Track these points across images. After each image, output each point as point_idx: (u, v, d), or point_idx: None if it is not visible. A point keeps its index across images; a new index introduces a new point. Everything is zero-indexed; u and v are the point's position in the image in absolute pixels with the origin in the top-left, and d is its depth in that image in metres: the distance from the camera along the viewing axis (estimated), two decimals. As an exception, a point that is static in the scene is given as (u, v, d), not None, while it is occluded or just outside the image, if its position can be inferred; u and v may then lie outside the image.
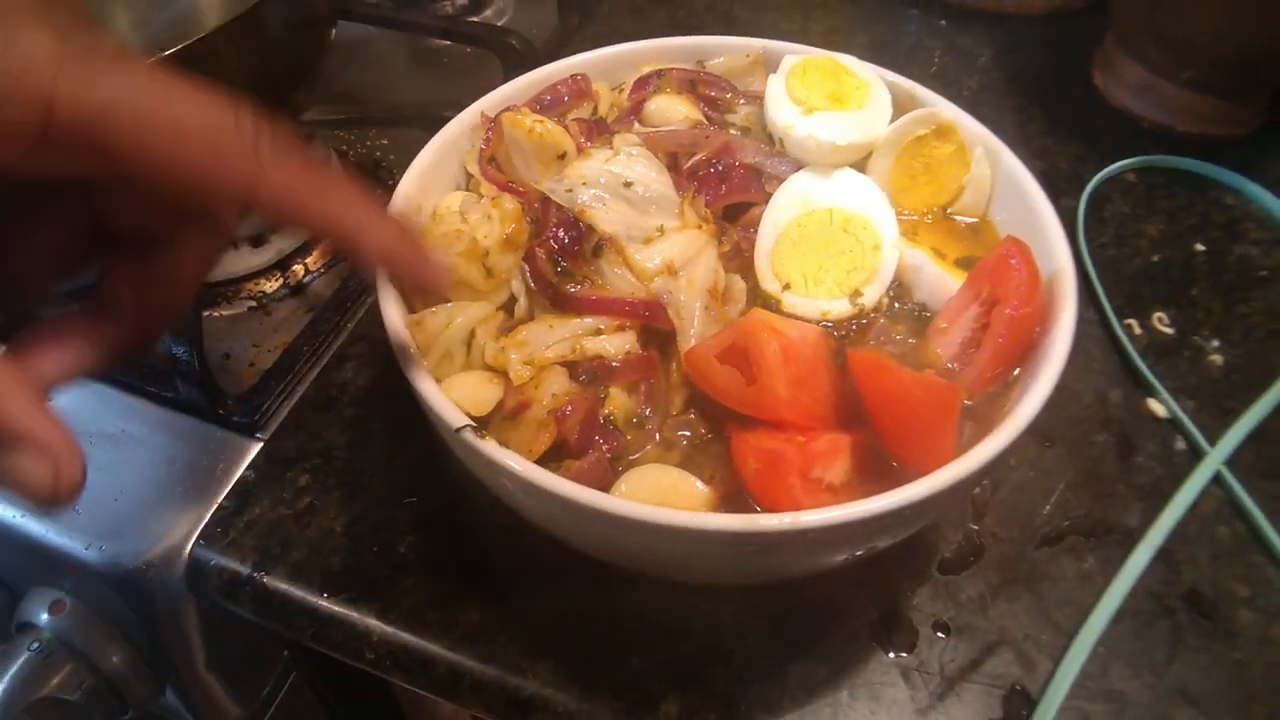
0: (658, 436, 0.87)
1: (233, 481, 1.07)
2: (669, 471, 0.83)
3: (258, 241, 1.38)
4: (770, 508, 0.76)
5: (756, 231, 0.97)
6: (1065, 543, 1.00)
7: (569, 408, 0.82)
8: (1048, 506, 1.03)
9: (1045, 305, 0.84)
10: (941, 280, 0.95)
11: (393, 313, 0.86)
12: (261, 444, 1.13)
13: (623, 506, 0.71)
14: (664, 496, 0.80)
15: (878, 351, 0.89)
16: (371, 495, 1.04)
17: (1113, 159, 1.39)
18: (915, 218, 1.05)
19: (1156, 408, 1.15)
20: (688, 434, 0.88)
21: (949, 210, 1.05)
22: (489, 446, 0.77)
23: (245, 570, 0.99)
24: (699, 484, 0.82)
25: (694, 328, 0.88)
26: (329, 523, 1.03)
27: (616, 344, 0.88)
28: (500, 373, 0.87)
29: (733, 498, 0.80)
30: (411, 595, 0.96)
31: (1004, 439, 0.74)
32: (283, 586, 0.98)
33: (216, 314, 1.33)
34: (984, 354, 0.85)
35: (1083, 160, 1.41)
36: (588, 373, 0.86)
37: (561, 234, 0.90)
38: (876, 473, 0.81)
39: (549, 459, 0.81)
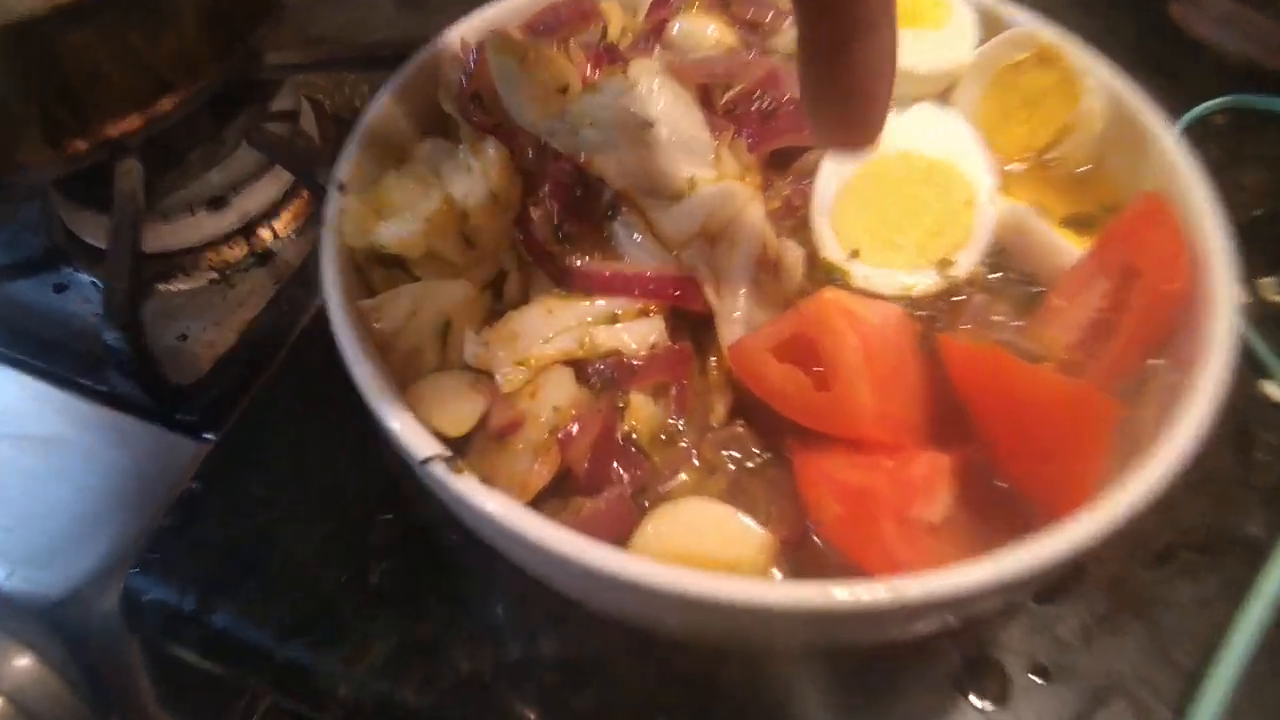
0: (695, 458, 0.71)
1: (175, 494, 0.91)
2: (711, 507, 0.66)
3: (218, 203, 1.17)
4: (856, 559, 0.60)
5: (812, 183, 0.81)
6: (1179, 561, 0.84)
7: (576, 426, 0.66)
8: (1154, 516, 0.73)
9: (1192, 280, 0.68)
10: (1054, 245, 0.79)
11: (338, 295, 0.69)
12: (211, 447, 0.96)
13: (653, 573, 0.55)
14: (706, 544, 0.63)
15: (989, 343, 0.72)
16: (341, 511, 0.89)
17: (1196, 100, 1.21)
18: (1005, 166, 0.87)
19: (1274, 391, 0.95)
20: (735, 453, 0.71)
21: (1047, 156, 0.88)
22: (466, 485, 0.60)
23: (187, 605, 0.85)
24: (752, 524, 0.65)
25: (739, 310, 0.73)
26: (289, 546, 0.87)
27: (638, 334, 0.71)
28: (485, 375, 0.70)
29: (798, 541, 0.65)
30: (388, 637, 0.81)
31: (1169, 462, 0.58)
32: (233, 626, 0.83)
33: (172, 288, 1.15)
34: (1118, 341, 0.69)
35: (1160, 102, 1.08)
36: (601, 374, 0.71)
37: (563, 189, 0.74)
38: (981, 500, 0.66)
39: (551, 496, 0.66)
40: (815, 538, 0.65)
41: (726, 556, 0.62)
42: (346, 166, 0.76)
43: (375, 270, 0.73)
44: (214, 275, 1.16)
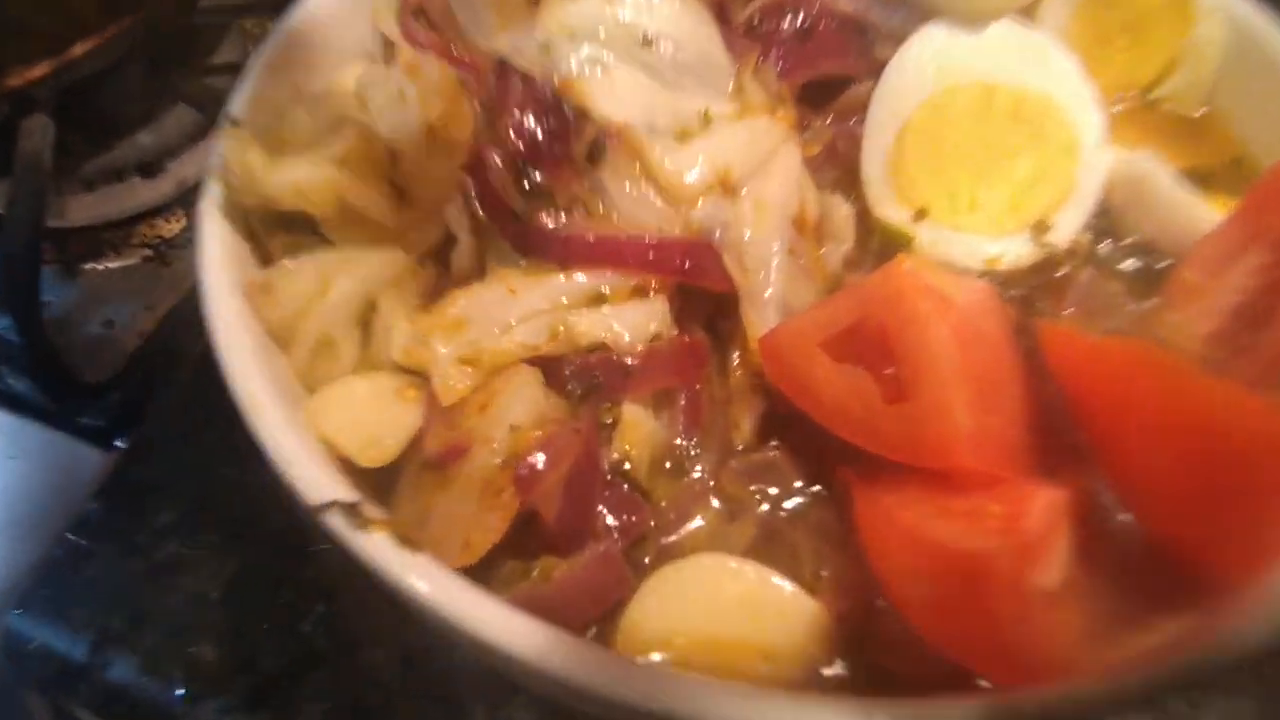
0: (714, 495, 0.58)
1: (70, 518, 0.82)
2: (736, 569, 0.53)
3: (150, 169, 1.07)
4: (962, 657, 0.48)
5: (862, 123, 0.73)
6: None
7: (542, 454, 0.51)
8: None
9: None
10: (1183, 205, 0.69)
11: (217, 269, 0.57)
12: (115, 460, 0.87)
13: (657, 690, 0.43)
14: (730, 623, 0.50)
15: (1138, 339, 0.60)
16: (265, 540, 0.78)
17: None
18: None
19: None
20: (768, 488, 0.59)
21: (1153, 94, 0.80)
22: (374, 546, 0.47)
23: (79, 654, 0.75)
24: (795, 591, 0.52)
25: (770, 288, 0.61)
26: (201, 584, 0.78)
27: (633, 321, 0.57)
28: (421, 379, 0.57)
29: (862, 614, 0.52)
30: (320, 700, 0.72)
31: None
32: (133, 682, 0.74)
33: (100, 267, 1.05)
34: (1276, 332, 0.58)
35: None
36: (581, 377, 0.57)
37: (531, 123, 0.61)
38: (1102, 546, 0.53)
39: (510, 553, 0.52)
40: (884, 608, 0.53)
41: (759, 640, 0.50)
42: (244, 96, 0.66)
43: (276, 237, 0.62)
44: (148, 252, 1.06)
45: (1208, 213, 0.68)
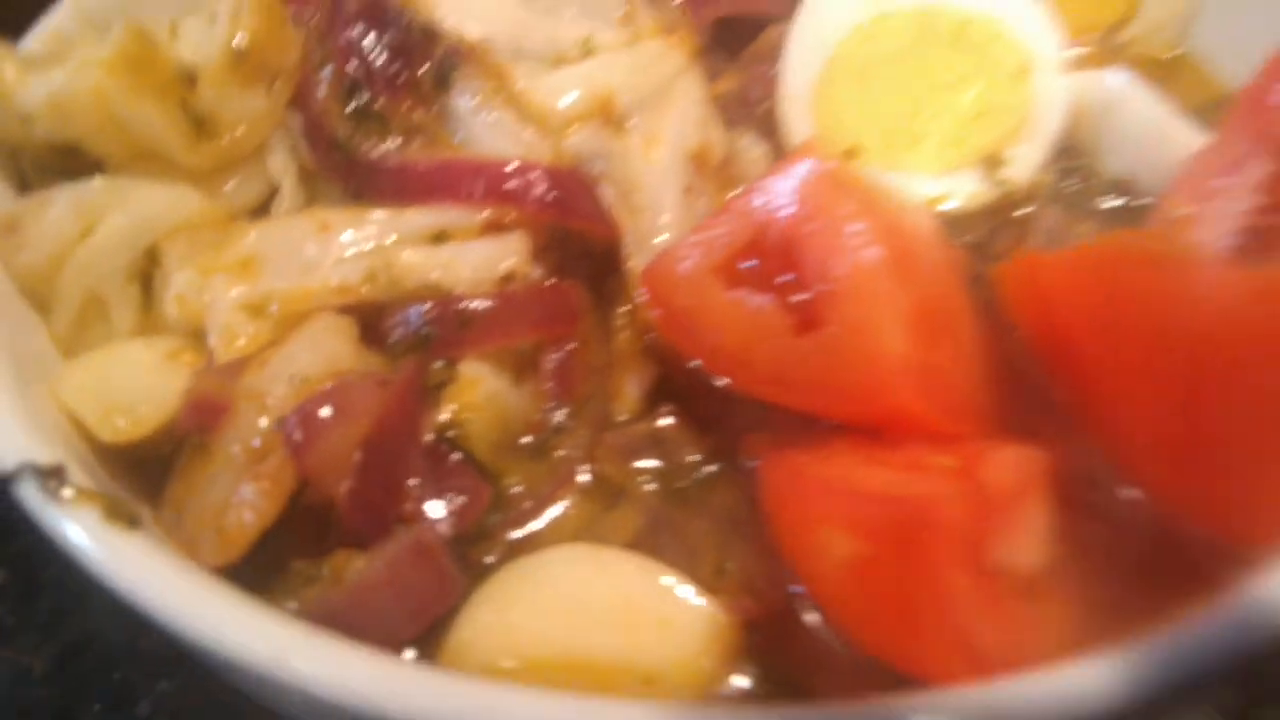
0: (588, 475, 0.46)
1: None
2: (607, 566, 0.41)
3: None
4: (896, 651, 0.38)
5: (777, 69, 0.63)
6: None
7: (327, 408, 0.38)
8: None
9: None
10: (1164, 131, 0.60)
11: None
12: None
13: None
14: (596, 635, 0.38)
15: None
16: (99, 603, 0.57)
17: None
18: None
19: None
20: (657, 463, 0.47)
21: (1121, 36, 0.72)
22: (72, 521, 0.36)
23: None
24: (686, 591, 0.40)
25: (663, 232, 0.51)
26: (23, 654, 0.66)
27: (478, 259, 0.46)
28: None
29: (771, 613, 0.42)
30: None
31: None
32: None
33: None
34: None
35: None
36: (409, 328, 0.45)
37: (366, 37, 0.50)
38: (1098, 527, 0.44)
39: (299, 551, 0.40)
40: (808, 610, 0.42)
41: (637, 658, 0.38)
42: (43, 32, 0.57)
43: (47, 178, 0.50)
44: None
45: (1192, 138, 0.59)
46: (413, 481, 0.41)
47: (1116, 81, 0.63)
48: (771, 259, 0.44)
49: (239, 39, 0.51)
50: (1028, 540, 0.41)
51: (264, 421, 0.39)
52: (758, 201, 0.45)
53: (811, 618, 0.43)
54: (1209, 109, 0.66)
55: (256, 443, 0.39)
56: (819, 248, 0.42)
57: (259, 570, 0.40)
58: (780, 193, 0.44)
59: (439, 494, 0.42)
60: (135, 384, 0.43)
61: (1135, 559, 0.45)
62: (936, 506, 0.37)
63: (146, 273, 0.49)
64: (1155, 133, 0.62)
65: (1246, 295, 0.40)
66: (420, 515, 0.42)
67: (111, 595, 0.65)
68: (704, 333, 0.45)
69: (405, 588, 0.39)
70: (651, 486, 0.48)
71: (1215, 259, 0.52)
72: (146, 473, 0.45)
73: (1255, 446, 0.40)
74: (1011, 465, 0.41)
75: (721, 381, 0.47)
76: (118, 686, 0.67)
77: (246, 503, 0.37)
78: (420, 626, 0.39)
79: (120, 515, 0.37)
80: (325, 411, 0.38)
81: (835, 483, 0.40)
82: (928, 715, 0.32)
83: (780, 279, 0.44)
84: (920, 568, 0.37)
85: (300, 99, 0.53)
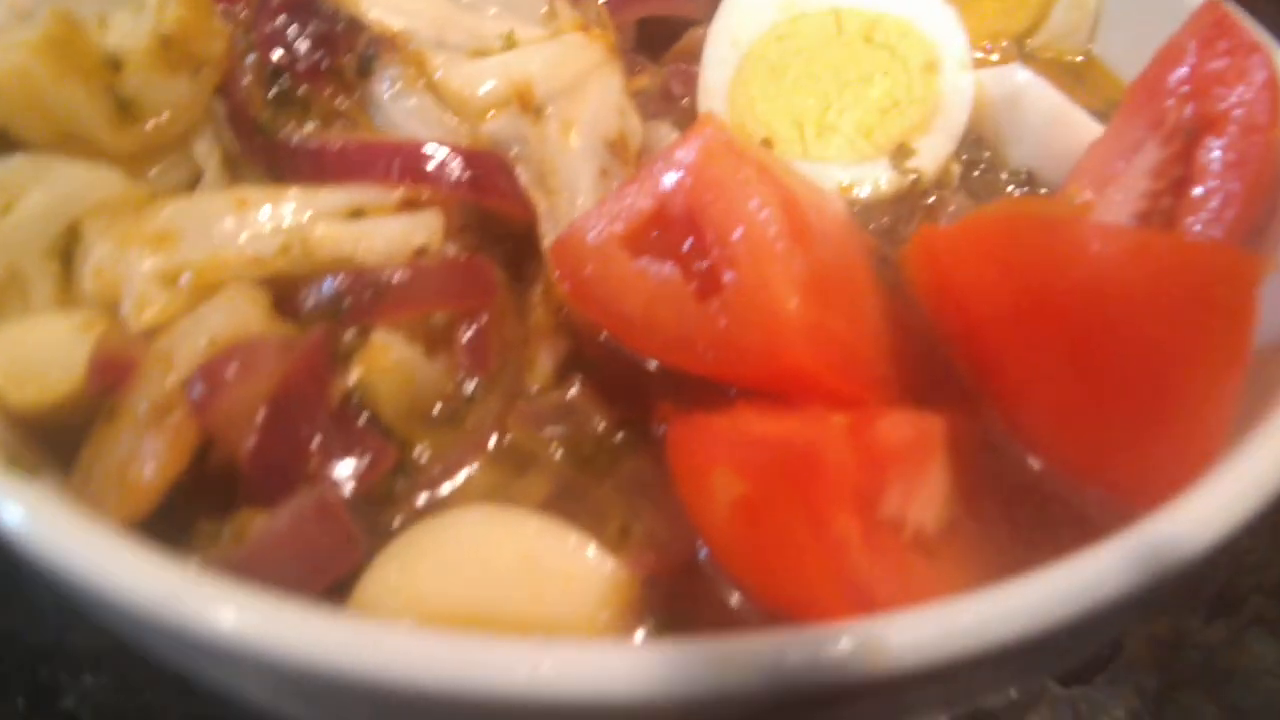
0: (496, 441, 0.47)
1: None
2: (510, 525, 0.41)
3: None
4: (781, 586, 0.39)
5: (698, 68, 0.65)
6: (1249, 609, 0.65)
7: (233, 366, 0.39)
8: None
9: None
10: (1068, 121, 0.62)
11: None
12: None
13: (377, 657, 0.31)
14: (497, 590, 0.38)
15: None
16: (21, 600, 0.63)
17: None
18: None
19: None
20: (565, 431, 0.48)
21: (1029, 44, 0.74)
22: None
23: None
24: (587, 547, 0.40)
25: (578, 213, 0.51)
26: None
27: (391, 234, 0.47)
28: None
29: (678, 573, 0.41)
30: None
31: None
32: None
33: None
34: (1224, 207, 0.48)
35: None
36: (322, 299, 0.46)
37: (290, 27, 0.52)
38: (1005, 497, 0.45)
39: (205, 511, 0.40)
40: (712, 566, 0.42)
41: (536, 610, 0.38)
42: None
43: None
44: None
45: (1095, 127, 0.61)
46: (318, 441, 0.40)
47: (1020, 76, 0.65)
48: (675, 227, 0.45)
49: (166, 25, 0.50)
50: (925, 500, 0.42)
51: (171, 380, 0.39)
52: (660, 172, 0.46)
53: (712, 571, 0.42)
54: (1116, 108, 0.68)
55: (161, 400, 0.38)
56: (717, 213, 0.43)
57: (169, 533, 0.39)
58: (680, 162, 0.44)
59: (345, 455, 0.42)
60: (47, 353, 0.42)
61: (1033, 524, 0.45)
62: (821, 449, 0.37)
63: (67, 250, 0.47)
64: (1057, 124, 0.64)
65: (1123, 253, 0.41)
66: (325, 475, 0.41)
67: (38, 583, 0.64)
68: (611, 301, 0.46)
69: (307, 545, 0.39)
70: (561, 454, 0.48)
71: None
72: (66, 447, 0.43)
73: (1135, 404, 0.41)
74: (904, 424, 0.42)
75: (631, 351, 0.48)
76: (43, 681, 0.65)
77: (149, 455, 0.37)
78: (322, 585, 0.38)
79: (21, 464, 0.35)
80: (231, 369, 0.38)
81: (729, 430, 0.40)
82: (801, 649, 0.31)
83: (684, 247, 0.44)
84: (804, 508, 0.37)
85: (225, 86, 0.52)
